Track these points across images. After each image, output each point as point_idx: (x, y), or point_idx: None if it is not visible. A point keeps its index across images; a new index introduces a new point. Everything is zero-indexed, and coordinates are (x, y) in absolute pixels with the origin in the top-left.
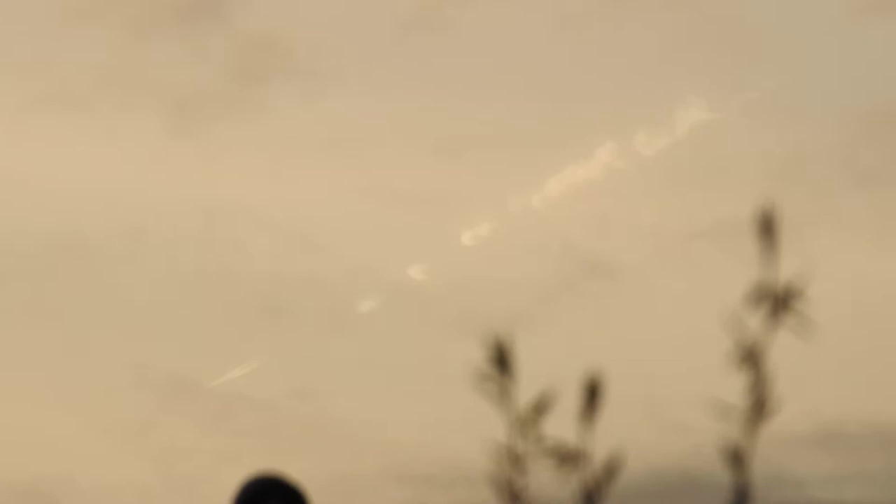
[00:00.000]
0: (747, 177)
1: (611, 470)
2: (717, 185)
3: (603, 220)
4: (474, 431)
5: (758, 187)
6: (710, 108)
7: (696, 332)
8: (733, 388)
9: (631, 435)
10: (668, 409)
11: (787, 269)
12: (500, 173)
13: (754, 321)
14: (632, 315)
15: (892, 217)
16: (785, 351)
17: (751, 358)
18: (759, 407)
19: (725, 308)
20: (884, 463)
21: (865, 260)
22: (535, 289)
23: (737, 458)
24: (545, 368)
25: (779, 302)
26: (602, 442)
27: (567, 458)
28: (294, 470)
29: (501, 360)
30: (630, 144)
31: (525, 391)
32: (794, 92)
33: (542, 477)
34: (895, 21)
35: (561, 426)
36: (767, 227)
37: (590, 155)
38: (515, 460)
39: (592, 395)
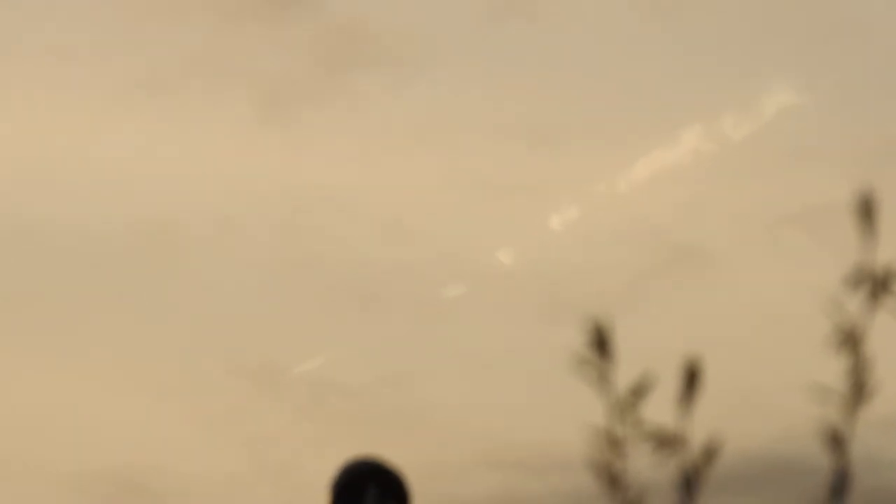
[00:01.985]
0: (836, 161)
1: (709, 454)
2: (806, 170)
3: (690, 205)
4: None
5: (847, 171)
6: (798, 91)
7: (785, 316)
8: (825, 370)
9: (724, 419)
10: (760, 393)
11: (879, 253)
12: (587, 158)
13: (853, 304)
14: (721, 299)
15: None
16: (881, 333)
17: (850, 341)
18: (858, 390)
19: (820, 291)
20: None
21: None
22: (622, 273)
23: (836, 442)
24: (634, 352)
25: (878, 284)
26: (695, 426)
27: (666, 442)
28: (384, 456)
29: (601, 343)
30: (718, 129)
31: (617, 375)
32: (882, 75)
33: (640, 461)
34: None
35: (654, 411)
36: (866, 210)
37: (677, 139)
38: (614, 444)
39: (692, 379)
